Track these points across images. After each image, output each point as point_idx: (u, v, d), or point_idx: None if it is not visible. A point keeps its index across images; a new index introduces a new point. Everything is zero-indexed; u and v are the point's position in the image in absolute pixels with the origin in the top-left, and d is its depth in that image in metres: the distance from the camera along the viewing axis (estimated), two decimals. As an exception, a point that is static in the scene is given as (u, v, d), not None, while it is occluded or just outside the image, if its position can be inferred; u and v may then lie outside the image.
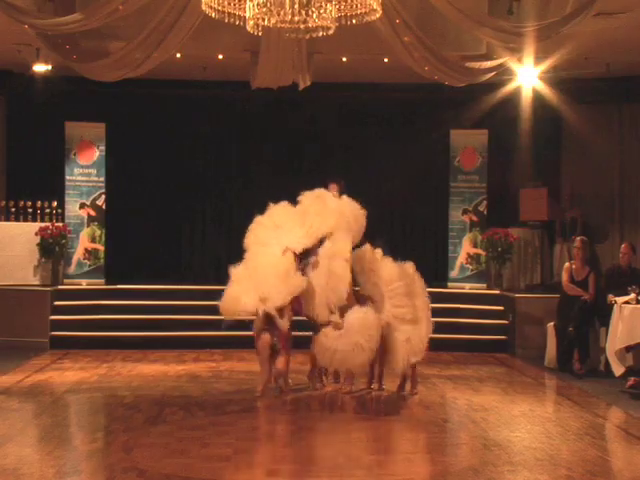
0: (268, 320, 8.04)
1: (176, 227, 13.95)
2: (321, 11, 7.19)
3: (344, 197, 8.61)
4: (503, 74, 10.50)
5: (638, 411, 8.17)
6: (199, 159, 14.16)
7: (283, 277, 8.21)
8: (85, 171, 13.23)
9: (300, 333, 8.69)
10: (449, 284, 13.32)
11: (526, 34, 8.89)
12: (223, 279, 11.96)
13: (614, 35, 10.00)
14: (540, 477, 6.01)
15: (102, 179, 13.28)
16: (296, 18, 7.22)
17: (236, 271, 8.41)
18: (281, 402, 8.48)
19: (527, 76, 10.48)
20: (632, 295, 9.26)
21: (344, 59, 11.28)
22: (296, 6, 7.07)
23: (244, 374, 9.96)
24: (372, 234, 8.77)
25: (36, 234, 12.62)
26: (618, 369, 9.29)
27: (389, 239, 9.97)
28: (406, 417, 8.17)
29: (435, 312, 9.05)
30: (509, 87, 11.16)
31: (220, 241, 13.53)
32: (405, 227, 14.27)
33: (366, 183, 12.58)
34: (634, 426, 7.64)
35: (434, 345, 8.87)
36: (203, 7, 7.14)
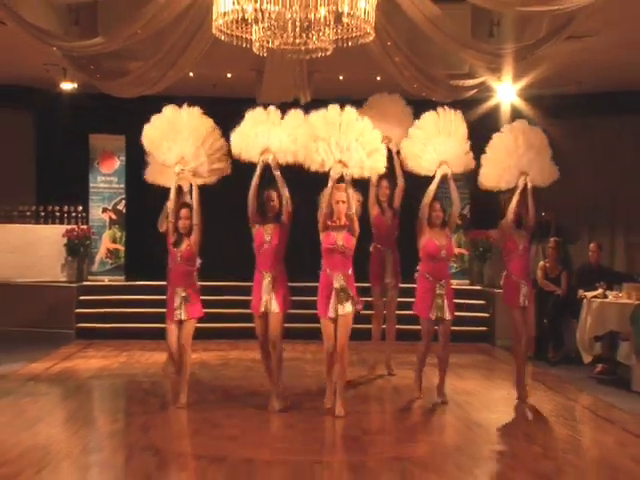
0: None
1: None
2: (320, 34, 7.20)
3: None
4: (484, 91, 10.50)
5: (605, 395, 8.21)
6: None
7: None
8: (107, 179, 13.30)
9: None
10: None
11: (505, 55, 8.90)
12: (231, 277, 12.09)
13: (583, 56, 10.03)
14: (517, 454, 6.04)
15: (122, 186, 13.32)
16: (297, 40, 7.24)
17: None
18: (283, 388, 8.49)
19: (506, 93, 10.49)
20: (600, 290, 9.35)
21: (341, 77, 11.30)
22: (297, 30, 7.09)
23: (250, 362, 9.96)
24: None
25: (63, 236, 12.77)
26: (587, 357, 9.37)
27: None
28: (397, 401, 8.19)
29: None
30: (490, 103, 11.16)
31: (226, 241, 13.45)
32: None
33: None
34: (601, 408, 7.67)
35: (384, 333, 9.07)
36: (213, 31, 7.14)
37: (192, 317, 7.39)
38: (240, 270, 10.26)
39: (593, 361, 9.33)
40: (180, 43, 8.52)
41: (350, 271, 6.96)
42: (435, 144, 7.77)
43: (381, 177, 8.36)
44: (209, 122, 7.55)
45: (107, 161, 13.26)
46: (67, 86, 11.81)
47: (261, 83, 10.15)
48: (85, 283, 12.87)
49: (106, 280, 13.04)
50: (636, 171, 12.75)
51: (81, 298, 12.29)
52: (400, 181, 8.68)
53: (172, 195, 7.48)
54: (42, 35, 8.46)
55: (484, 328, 12.42)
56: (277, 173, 7.20)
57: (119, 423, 7.03)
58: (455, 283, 12.51)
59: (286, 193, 7.18)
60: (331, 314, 6.85)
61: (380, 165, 7.05)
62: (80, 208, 13.20)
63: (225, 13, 6.80)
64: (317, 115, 7.02)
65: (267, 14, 6.79)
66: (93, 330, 11.68)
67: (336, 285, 6.84)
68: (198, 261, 8.31)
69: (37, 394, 8.06)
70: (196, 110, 7.54)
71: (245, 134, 7.23)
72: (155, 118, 7.54)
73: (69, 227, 12.88)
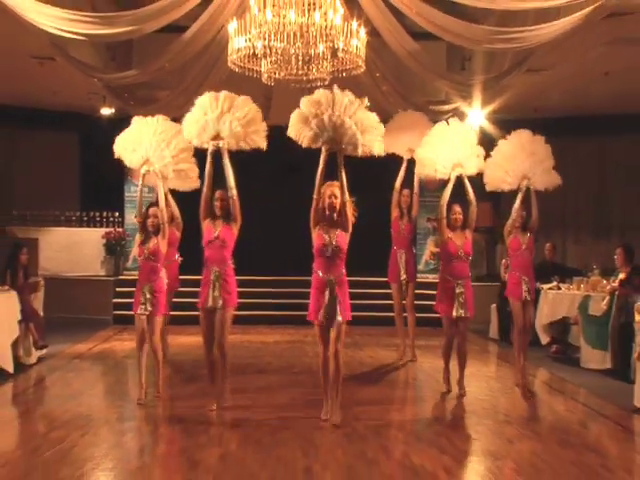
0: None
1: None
2: (319, 67, 7.21)
3: None
4: (457, 115, 10.47)
5: (558, 371, 8.20)
6: (220, 177, 13.89)
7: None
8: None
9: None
10: (417, 275, 13.22)
11: (474, 85, 8.91)
12: (246, 272, 12.00)
13: (540, 86, 10.02)
14: (485, 421, 6.01)
15: (151, 195, 13.23)
16: (300, 72, 7.26)
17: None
18: (288, 365, 8.46)
19: (476, 117, 10.44)
20: (554, 283, 9.37)
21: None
22: (300, 63, 7.11)
23: (259, 344, 9.97)
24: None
25: (102, 237, 12.86)
26: (544, 339, 9.35)
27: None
28: (384, 377, 8.15)
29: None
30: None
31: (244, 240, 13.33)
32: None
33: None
34: (556, 382, 7.66)
35: (406, 322, 8.81)
36: (229, 64, 7.14)
37: (159, 314, 6.59)
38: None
39: (549, 343, 9.31)
40: (201, 74, 8.51)
41: (343, 272, 5.77)
42: (448, 148, 7.08)
43: (403, 186, 8.25)
44: (175, 126, 6.73)
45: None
46: (106, 111, 11.84)
47: (269, 107, 10.12)
48: (121, 277, 12.85)
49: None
50: (578, 184, 12.66)
51: (117, 289, 12.22)
52: (417, 189, 8.32)
53: (138, 193, 6.94)
54: (86, 69, 8.47)
55: (456, 315, 12.39)
56: (226, 161, 6.19)
57: (149, 396, 6.99)
58: (432, 277, 12.62)
59: (231, 182, 6.13)
60: (323, 318, 5.66)
61: (376, 145, 5.81)
62: (117, 214, 13.23)
63: (239, 49, 6.83)
64: (307, 97, 5.93)
65: (274, 50, 6.80)
66: (127, 317, 11.41)
67: (327, 291, 5.65)
68: (178, 257, 8.21)
69: (80, 370, 8.06)
70: (162, 117, 6.83)
71: (196, 120, 6.25)
72: (126, 129, 6.93)
73: (107, 230, 12.96)
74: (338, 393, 5.80)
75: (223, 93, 6.21)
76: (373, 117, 5.84)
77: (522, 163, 7.09)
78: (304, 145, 5.82)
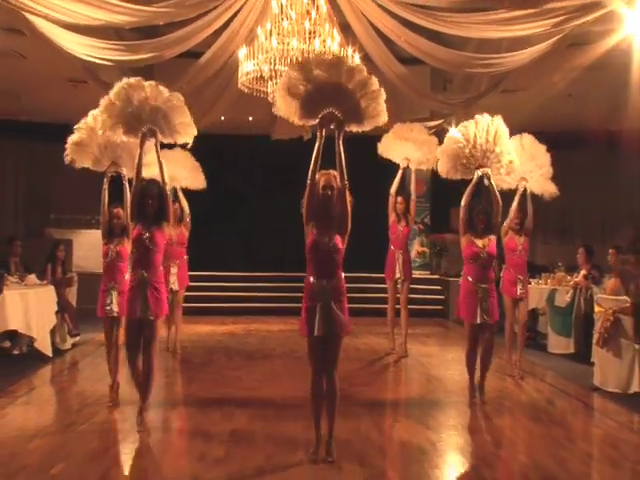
0: None
1: (219, 231, 13.21)
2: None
3: None
4: (440, 131, 10.43)
5: (528, 355, 8.09)
6: (229, 185, 13.69)
7: None
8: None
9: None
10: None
11: (455, 104, 8.90)
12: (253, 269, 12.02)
13: (514, 106, 9.97)
14: (463, 399, 5.99)
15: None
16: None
17: None
18: (291, 351, 8.44)
19: (457, 132, 10.39)
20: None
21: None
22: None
23: (266, 332, 9.96)
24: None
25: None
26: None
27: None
28: (377, 362, 8.12)
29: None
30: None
31: (248, 238, 13.35)
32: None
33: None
34: (526, 366, 7.57)
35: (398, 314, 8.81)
36: (239, 85, 7.13)
37: (122, 314, 5.54)
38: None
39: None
40: (215, 94, 8.49)
41: (337, 277, 4.24)
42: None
43: (398, 192, 7.95)
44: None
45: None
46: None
47: (274, 125, 10.10)
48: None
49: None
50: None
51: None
52: (414, 195, 8.00)
53: (104, 194, 5.71)
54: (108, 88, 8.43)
55: (440, 307, 12.42)
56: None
57: (170, 377, 6.99)
58: (417, 273, 12.64)
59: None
60: (318, 332, 4.17)
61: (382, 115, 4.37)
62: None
63: (247, 72, 6.81)
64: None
65: (279, 73, 6.77)
66: (151, 307, 11.56)
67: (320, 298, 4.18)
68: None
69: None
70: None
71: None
72: None
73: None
74: (333, 423, 4.36)
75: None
76: (375, 81, 4.37)
77: (521, 164, 6.34)
78: (296, 122, 4.44)
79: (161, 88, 5.05)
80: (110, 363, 5.82)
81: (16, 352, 7.75)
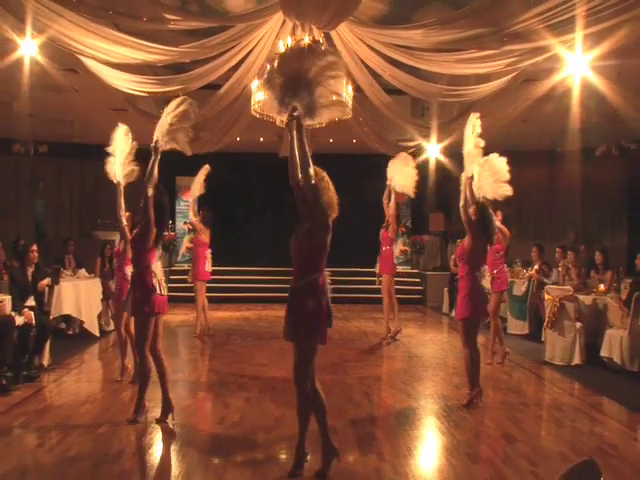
0: None
1: (236, 233, 13.28)
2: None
3: None
4: (419, 149, 10.39)
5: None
6: (240, 198, 13.64)
7: None
8: (186, 204, 12.99)
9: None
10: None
11: (431, 127, 8.90)
12: (268, 263, 11.98)
13: (484, 128, 9.92)
14: (439, 373, 5.99)
15: (196, 208, 13.14)
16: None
17: None
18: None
19: (433, 151, 10.38)
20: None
21: (331, 140, 11.21)
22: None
23: (274, 317, 9.91)
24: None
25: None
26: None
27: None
28: (365, 342, 8.09)
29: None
30: (422, 157, 11.00)
31: (258, 238, 13.16)
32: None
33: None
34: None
35: (380, 301, 8.75)
36: (252, 112, 7.10)
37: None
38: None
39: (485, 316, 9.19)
40: (231, 119, 8.46)
41: (303, 281, 3.42)
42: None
43: (388, 200, 7.77)
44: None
45: (186, 193, 13.05)
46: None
47: (281, 144, 10.10)
48: (173, 268, 12.85)
49: (185, 266, 12.80)
50: (505, 202, 12.49)
51: (171, 277, 12.08)
52: (392, 210, 7.76)
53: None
54: (149, 117, 8.38)
55: (419, 296, 12.39)
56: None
57: (193, 355, 6.96)
58: (401, 268, 12.61)
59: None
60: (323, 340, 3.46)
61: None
62: (170, 222, 13.09)
63: (259, 101, 6.76)
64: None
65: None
66: (178, 297, 11.46)
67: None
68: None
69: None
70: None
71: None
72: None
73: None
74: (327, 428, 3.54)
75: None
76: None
77: (484, 178, 5.80)
78: (276, 116, 3.70)
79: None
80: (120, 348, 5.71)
81: (70, 332, 7.84)
